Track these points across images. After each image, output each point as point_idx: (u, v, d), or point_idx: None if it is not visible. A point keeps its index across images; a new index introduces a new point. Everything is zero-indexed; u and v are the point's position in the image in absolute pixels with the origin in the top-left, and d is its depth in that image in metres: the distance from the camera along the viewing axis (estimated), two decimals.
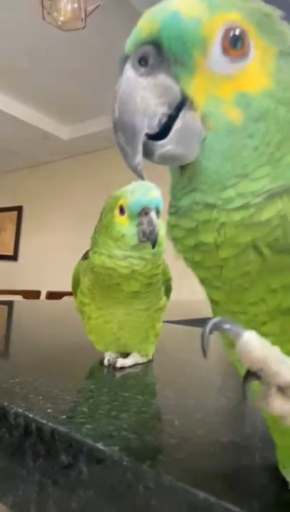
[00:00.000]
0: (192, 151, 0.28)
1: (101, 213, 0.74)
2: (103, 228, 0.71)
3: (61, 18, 2.07)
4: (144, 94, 0.28)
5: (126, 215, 0.68)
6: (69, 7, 2.06)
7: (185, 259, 0.33)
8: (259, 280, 0.28)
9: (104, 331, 0.78)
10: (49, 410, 0.52)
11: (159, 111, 0.28)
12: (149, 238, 0.66)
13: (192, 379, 0.77)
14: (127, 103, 0.28)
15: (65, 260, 7.30)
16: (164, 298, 0.80)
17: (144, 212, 0.66)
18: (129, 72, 0.28)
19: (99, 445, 0.42)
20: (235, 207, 0.28)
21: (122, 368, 0.77)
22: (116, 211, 0.69)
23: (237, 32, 0.27)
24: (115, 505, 0.39)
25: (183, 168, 0.30)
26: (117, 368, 0.77)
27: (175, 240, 0.32)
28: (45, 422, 0.48)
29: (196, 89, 0.28)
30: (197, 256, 0.31)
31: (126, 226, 0.68)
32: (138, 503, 0.38)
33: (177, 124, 0.28)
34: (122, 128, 0.28)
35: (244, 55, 0.27)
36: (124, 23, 3.95)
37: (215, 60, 0.27)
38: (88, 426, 0.47)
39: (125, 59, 0.29)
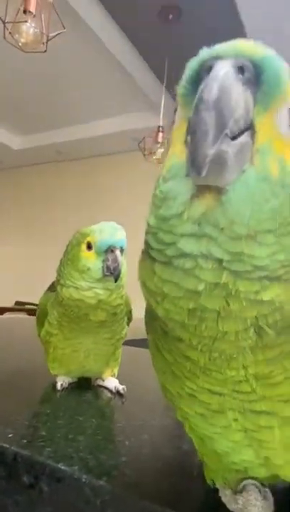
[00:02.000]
0: (232, 173, 0.28)
1: (68, 246, 0.80)
2: (69, 261, 0.78)
3: (22, 40, 2.12)
4: (239, 97, 0.27)
5: (93, 250, 0.75)
6: (31, 31, 2.11)
7: (170, 319, 0.31)
8: (246, 354, 0.31)
9: (71, 360, 0.84)
10: (10, 435, 0.56)
11: (240, 122, 0.28)
12: (113, 273, 0.73)
13: (140, 401, 0.85)
14: (227, 91, 0.27)
15: (7, 274, 7.03)
16: (126, 327, 0.88)
17: (110, 250, 0.74)
18: (230, 69, 0.28)
19: (61, 465, 0.48)
20: (240, 270, 0.28)
21: (75, 391, 0.83)
22: (84, 246, 0.76)
23: None
24: None
25: (201, 195, 0.28)
26: (69, 391, 0.83)
27: (162, 295, 0.30)
28: (7, 446, 0.52)
29: (262, 126, 0.29)
30: (191, 320, 0.30)
31: (92, 260, 0.75)
32: None
33: (242, 138, 0.28)
34: (218, 109, 0.26)
35: None
36: (81, 45, 4.07)
37: (281, 118, 0.30)
38: (48, 449, 0.53)
39: (214, 58, 0.29)
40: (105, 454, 0.53)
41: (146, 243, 0.32)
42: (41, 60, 4.10)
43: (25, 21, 2.09)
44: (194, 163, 0.27)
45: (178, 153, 0.31)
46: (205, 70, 0.29)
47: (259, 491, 0.42)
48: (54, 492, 0.47)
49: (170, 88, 3.58)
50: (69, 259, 0.78)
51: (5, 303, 5.59)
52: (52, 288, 0.84)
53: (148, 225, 0.32)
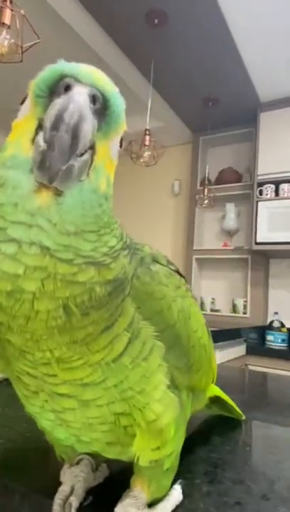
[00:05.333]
0: (73, 181, 0.34)
1: None
2: None
3: None
4: (90, 124, 0.34)
5: None
6: (6, 43, 2.20)
7: None
8: (55, 335, 0.35)
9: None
10: None
11: (87, 144, 0.34)
12: None
13: None
14: (84, 117, 0.33)
15: None
16: None
17: None
18: (87, 97, 0.34)
19: None
20: (65, 258, 0.33)
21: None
22: None
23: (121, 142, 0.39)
24: None
25: (40, 191, 0.33)
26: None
27: None
28: None
29: (100, 149, 0.36)
30: (8, 302, 0.33)
31: None
32: None
33: (85, 156, 0.34)
34: (74, 131, 0.32)
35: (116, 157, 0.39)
36: (69, 48, 4.15)
37: (114, 145, 0.38)
38: None
39: (73, 79, 0.34)
40: None
41: None
42: (29, 64, 4.20)
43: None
44: (45, 171, 0.32)
45: (24, 148, 0.34)
46: (62, 85, 0.34)
47: (91, 464, 0.51)
48: None
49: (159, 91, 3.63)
50: None
51: None
52: None
53: None
